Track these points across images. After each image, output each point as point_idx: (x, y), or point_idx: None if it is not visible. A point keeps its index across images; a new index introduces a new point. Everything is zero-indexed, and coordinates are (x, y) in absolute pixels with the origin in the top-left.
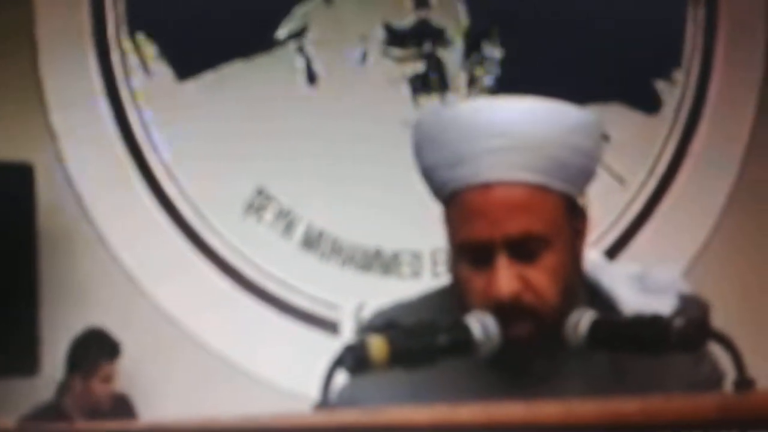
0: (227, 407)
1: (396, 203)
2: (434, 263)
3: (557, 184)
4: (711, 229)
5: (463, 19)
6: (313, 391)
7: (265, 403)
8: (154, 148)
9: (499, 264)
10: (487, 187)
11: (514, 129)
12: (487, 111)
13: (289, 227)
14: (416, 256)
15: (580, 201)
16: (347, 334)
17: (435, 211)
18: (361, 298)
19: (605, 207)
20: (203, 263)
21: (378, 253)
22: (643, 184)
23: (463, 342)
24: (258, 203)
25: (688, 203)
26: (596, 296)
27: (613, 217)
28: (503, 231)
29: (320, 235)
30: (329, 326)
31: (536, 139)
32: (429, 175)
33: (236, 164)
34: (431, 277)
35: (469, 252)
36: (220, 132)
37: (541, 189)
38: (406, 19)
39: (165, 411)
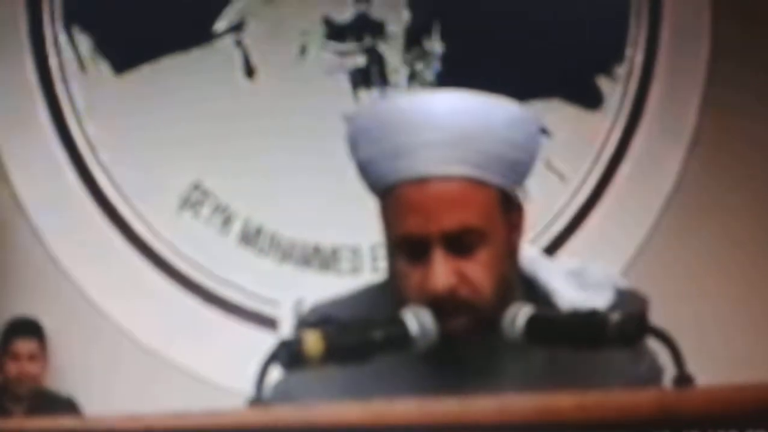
0: (165, 404)
1: (335, 198)
2: (373, 259)
3: (493, 178)
4: (651, 226)
5: (404, 13)
6: (250, 386)
7: (203, 400)
8: (89, 142)
9: (435, 258)
10: (422, 181)
11: (450, 123)
12: (423, 104)
13: (226, 222)
14: (355, 252)
15: (517, 195)
16: (286, 331)
17: (374, 206)
18: (299, 294)
19: (546, 203)
20: (139, 259)
21: (317, 249)
22: (584, 180)
23: (399, 337)
24: (194, 198)
25: (628, 200)
26: (533, 291)
27: (554, 213)
28: (439, 225)
29: (258, 230)
30: (268, 322)
31: (472, 133)
32: (365, 169)
33: (173, 158)
34: (371, 272)
35: (406, 246)
36: (156, 126)
37: (477, 183)
38: (346, 13)
39: (101, 408)
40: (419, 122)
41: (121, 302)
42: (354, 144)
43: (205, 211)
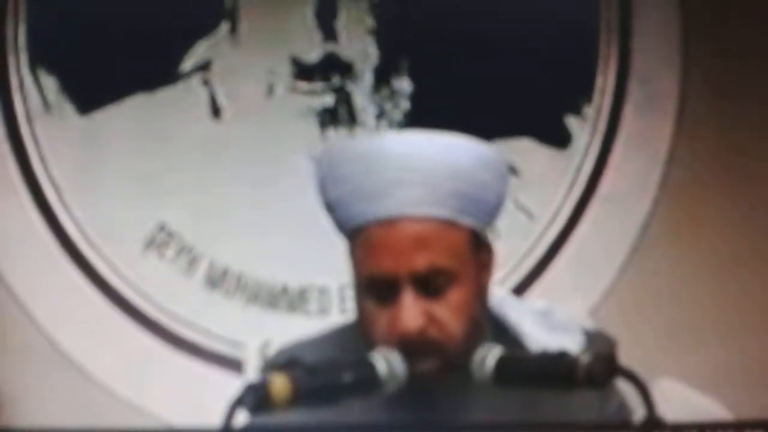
0: None
1: (303, 239)
2: (342, 300)
3: (463, 219)
4: (621, 265)
5: (373, 52)
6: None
7: None
8: (53, 183)
9: (404, 299)
10: (392, 221)
11: (419, 163)
12: (392, 145)
13: (191, 264)
14: (323, 293)
15: (487, 236)
16: (251, 373)
17: (342, 246)
18: (266, 336)
19: (515, 242)
20: (102, 301)
21: (284, 290)
22: (553, 219)
23: (368, 379)
24: (159, 239)
25: (597, 239)
26: (502, 332)
27: (523, 252)
28: (409, 266)
29: (224, 272)
30: (233, 365)
31: (442, 174)
32: (333, 210)
33: (137, 199)
34: (339, 313)
35: (375, 287)
36: (121, 167)
37: (447, 223)
38: (314, 53)
39: None
40: (388, 163)
41: (83, 344)
42: (322, 184)
43: (170, 252)
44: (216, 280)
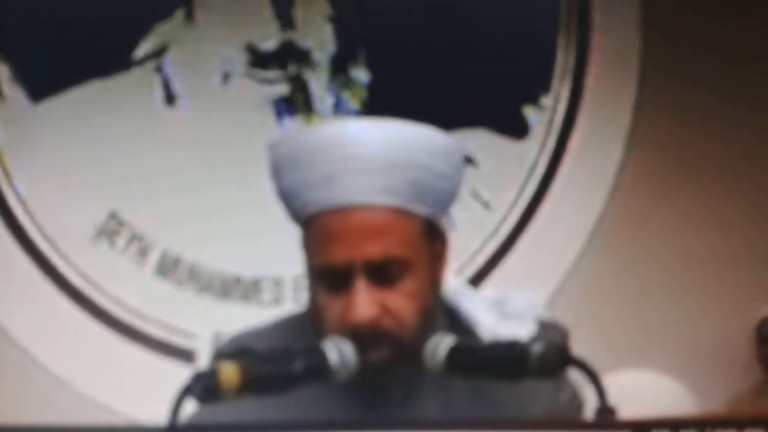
0: None
1: (256, 228)
2: (296, 289)
3: (418, 208)
4: (577, 255)
5: (330, 41)
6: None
7: None
8: (5, 170)
9: (357, 288)
10: (346, 209)
11: (374, 151)
12: (347, 133)
13: (142, 253)
14: (277, 283)
15: (441, 225)
16: (203, 364)
17: (296, 236)
18: (219, 326)
19: (472, 232)
20: (52, 290)
21: (237, 280)
22: (510, 210)
23: (318, 368)
24: (110, 228)
25: (554, 229)
26: (455, 321)
27: (480, 243)
28: (363, 255)
29: (176, 261)
30: (185, 355)
31: (397, 162)
32: (286, 198)
33: (89, 187)
34: (293, 303)
35: (327, 276)
36: (72, 154)
37: (401, 212)
38: (271, 41)
39: None
40: (343, 151)
41: (33, 333)
42: (276, 172)
43: (121, 241)
44: (168, 269)
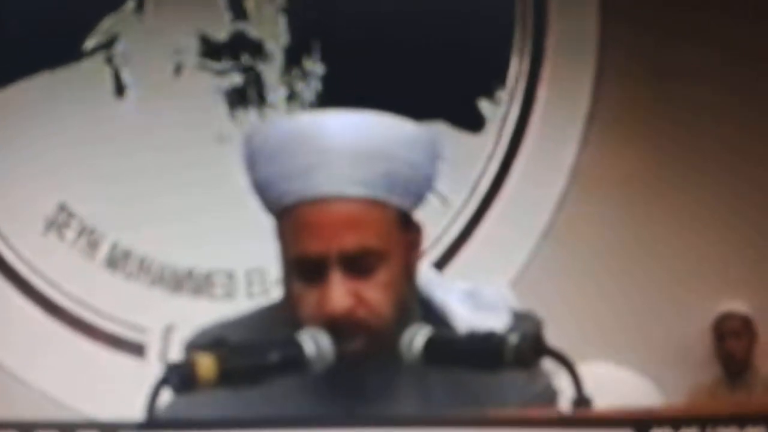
0: None
1: (209, 221)
2: (249, 283)
3: (392, 199)
4: (531, 250)
5: (283, 32)
6: (118, 414)
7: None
8: None
9: (332, 279)
10: (321, 201)
11: (349, 143)
12: (323, 124)
13: (92, 245)
14: (230, 276)
15: (414, 216)
16: (154, 358)
17: (250, 230)
18: (170, 319)
19: (428, 225)
20: (1, 282)
21: (190, 273)
22: (466, 203)
23: (295, 359)
24: (60, 220)
25: (509, 223)
26: (430, 312)
27: (436, 236)
28: (337, 245)
29: (127, 254)
30: (136, 349)
31: (372, 154)
32: (261, 189)
33: (38, 179)
34: (245, 297)
35: (302, 267)
36: (22, 146)
37: (376, 203)
38: (223, 31)
39: None
40: (318, 142)
41: None
42: (250, 163)
43: (71, 233)
44: (118, 262)
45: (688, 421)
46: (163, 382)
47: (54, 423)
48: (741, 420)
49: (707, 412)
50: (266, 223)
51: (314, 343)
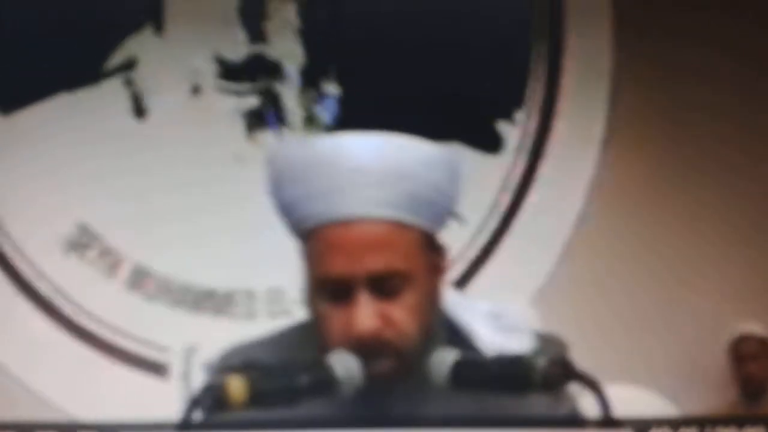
0: None
1: (229, 241)
2: (269, 303)
3: (417, 220)
4: (550, 269)
5: (301, 54)
6: None
7: None
8: None
9: (359, 300)
10: (347, 223)
11: (374, 165)
12: (346, 146)
13: (113, 266)
14: (250, 296)
15: (439, 238)
16: (176, 377)
17: (270, 250)
18: (191, 339)
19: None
20: (23, 302)
21: (210, 293)
22: (484, 224)
23: (324, 381)
24: (82, 241)
25: (528, 243)
26: (454, 333)
27: (453, 257)
28: (364, 267)
29: (147, 274)
30: (157, 369)
31: (396, 175)
32: (287, 210)
33: (59, 200)
34: (266, 317)
35: (329, 288)
36: (43, 167)
37: (401, 225)
38: (241, 53)
39: None
40: (344, 164)
41: (3, 344)
42: (275, 185)
43: (92, 254)
44: (139, 282)
45: (687, 422)
46: (196, 402)
47: (53, 424)
48: (740, 421)
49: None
50: (286, 244)
51: (344, 365)
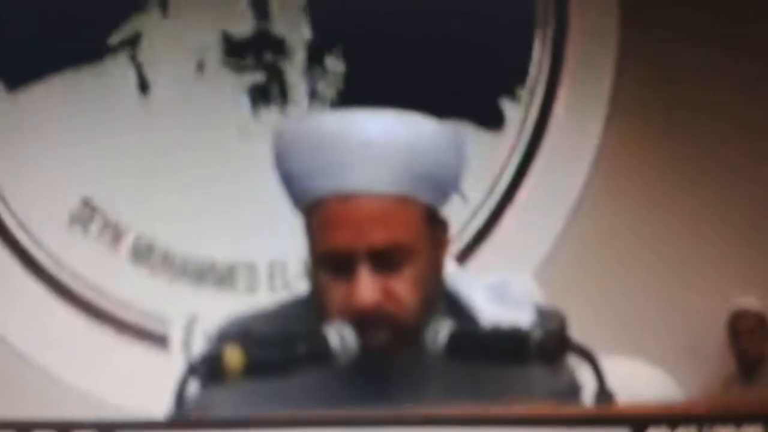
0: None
1: (231, 215)
2: (270, 277)
3: (420, 195)
4: (551, 246)
5: (305, 30)
6: (142, 405)
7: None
8: None
9: (360, 274)
10: (351, 196)
11: (378, 140)
12: (351, 121)
13: (116, 239)
14: (252, 270)
15: (441, 212)
16: (177, 349)
17: (272, 224)
18: (193, 311)
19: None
20: (27, 276)
21: (212, 266)
22: (485, 200)
23: (320, 352)
24: (84, 214)
25: (528, 220)
26: (456, 307)
27: (455, 233)
28: (367, 241)
29: (150, 247)
30: (159, 340)
31: (400, 150)
32: (290, 184)
33: (63, 174)
34: (267, 291)
35: (331, 261)
36: (47, 143)
37: (404, 199)
38: (245, 29)
39: None
40: (348, 139)
41: (6, 318)
42: (280, 158)
43: (95, 227)
44: (142, 255)
45: (685, 420)
46: (191, 373)
47: (52, 423)
48: (738, 419)
49: (704, 411)
50: (288, 218)
51: (339, 336)
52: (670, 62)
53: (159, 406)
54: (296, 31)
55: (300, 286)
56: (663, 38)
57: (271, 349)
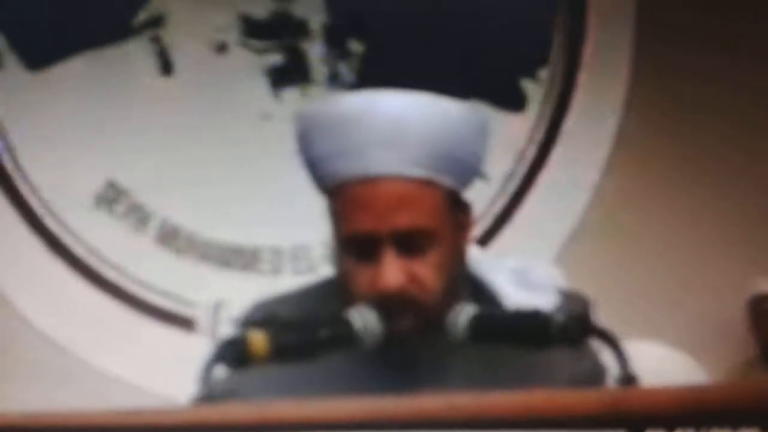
0: (78, 406)
1: (255, 197)
2: (295, 260)
3: (444, 179)
4: (572, 229)
5: (325, 11)
6: (168, 388)
7: (116, 401)
8: (4, 139)
9: (385, 257)
10: (374, 180)
11: (404, 123)
12: (378, 104)
13: (142, 222)
14: (276, 253)
15: (464, 196)
16: (203, 332)
17: (296, 207)
18: (218, 294)
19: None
20: (52, 258)
21: (237, 249)
22: (507, 182)
23: (344, 336)
24: (109, 196)
25: (551, 202)
26: (479, 291)
27: (477, 215)
28: (391, 224)
29: (176, 229)
30: (184, 323)
31: (425, 133)
32: (314, 166)
33: (87, 156)
34: (292, 273)
35: (355, 245)
36: (70, 124)
37: (428, 183)
38: (265, 10)
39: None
40: (373, 122)
41: (33, 301)
42: (304, 141)
43: (120, 209)
44: (167, 237)
45: (683, 420)
46: (217, 357)
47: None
48: (735, 420)
49: (703, 410)
50: (312, 200)
51: (363, 320)
52: (693, 39)
53: (185, 388)
54: (316, 13)
55: (324, 269)
56: (683, 16)
57: (296, 333)
